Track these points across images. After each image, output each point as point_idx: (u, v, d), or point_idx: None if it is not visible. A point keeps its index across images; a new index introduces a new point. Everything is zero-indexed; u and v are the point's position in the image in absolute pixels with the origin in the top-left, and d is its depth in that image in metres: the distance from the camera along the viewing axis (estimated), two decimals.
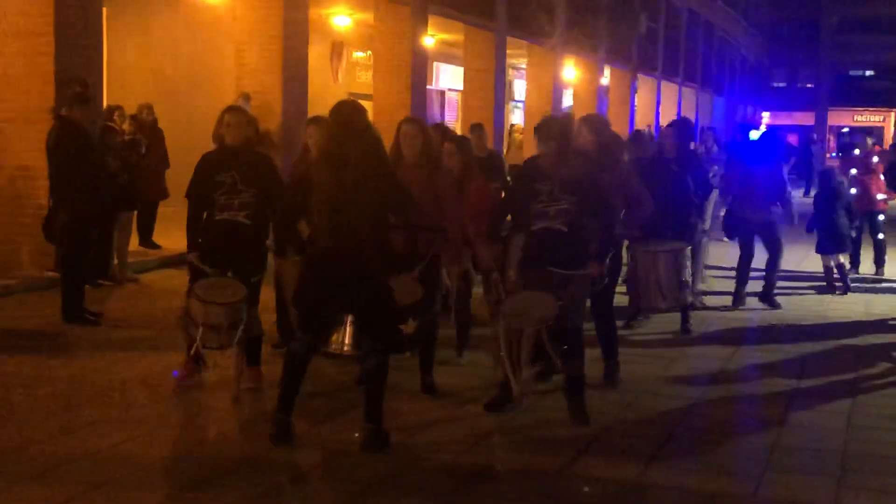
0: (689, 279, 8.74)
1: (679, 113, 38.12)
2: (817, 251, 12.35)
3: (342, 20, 20.67)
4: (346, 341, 6.09)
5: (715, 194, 17.29)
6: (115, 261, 11.28)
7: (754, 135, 26.75)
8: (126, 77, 16.28)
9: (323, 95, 20.90)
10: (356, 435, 5.83)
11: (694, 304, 10.40)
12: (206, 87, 17.27)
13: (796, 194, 19.80)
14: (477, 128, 11.24)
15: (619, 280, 7.81)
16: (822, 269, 12.46)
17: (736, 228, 11.20)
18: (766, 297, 10.96)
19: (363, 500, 5.14)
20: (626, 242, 8.21)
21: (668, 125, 9.85)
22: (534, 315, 6.09)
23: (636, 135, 10.45)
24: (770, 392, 7.49)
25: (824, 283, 12.31)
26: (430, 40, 20.51)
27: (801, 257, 14.21)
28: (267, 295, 7.42)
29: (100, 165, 9.70)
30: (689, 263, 8.56)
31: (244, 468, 5.49)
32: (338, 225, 5.66)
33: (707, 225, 17.46)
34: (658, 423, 6.55)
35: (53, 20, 10.95)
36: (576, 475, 5.55)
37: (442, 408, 6.70)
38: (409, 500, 5.17)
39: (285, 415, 5.83)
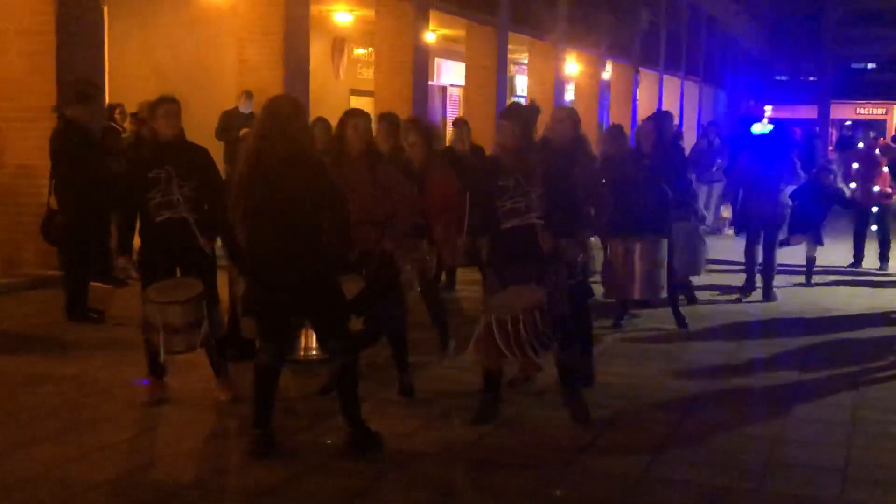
0: (665, 274, 8.51)
1: (682, 107, 38.10)
2: (788, 232, 12.24)
3: (344, 17, 20.64)
4: (312, 345, 5.91)
5: (718, 188, 17.40)
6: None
7: (758, 127, 26.82)
8: (127, 75, 16.25)
9: (325, 92, 20.92)
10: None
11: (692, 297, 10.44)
12: (207, 85, 17.25)
13: None
14: (459, 123, 11.26)
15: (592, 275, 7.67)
16: (825, 263, 12.48)
17: (746, 223, 11.22)
18: (767, 291, 11.00)
19: (364, 499, 5.14)
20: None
21: (646, 119, 9.67)
22: (520, 302, 5.93)
23: (613, 129, 10.37)
24: (773, 385, 7.48)
25: (836, 276, 12.38)
26: (431, 36, 20.46)
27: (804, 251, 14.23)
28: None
29: (101, 166, 9.68)
30: (665, 257, 8.39)
31: (247, 468, 5.50)
32: (267, 226, 5.50)
33: (710, 219, 17.58)
34: (662, 418, 6.55)
35: (55, 18, 10.99)
36: (580, 470, 5.55)
37: (441, 405, 6.70)
38: (411, 494, 5.17)
39: (263, 429, 5.64)
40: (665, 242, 8.39)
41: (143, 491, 5.17)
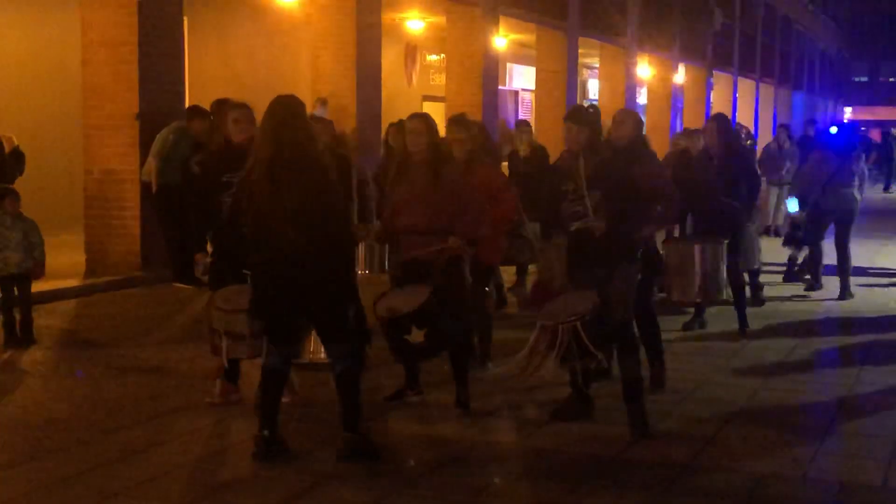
0: (724, 275, 8.36)
1: (756, 109, 37.86)
2: None
3: (416, 24, 21.03)
4: (320, 349, 5.75)
5: (785, 191, 17.37)
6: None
7: (834, 130, 26.58)
8: (206, 83, 16.81)
9: (397, 98, 21.32)
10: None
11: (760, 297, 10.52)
12: (283, 92, 17.71)
13: (875, 190, 19.66)
14: (521, 124, 11.59)
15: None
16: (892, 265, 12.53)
17: (815, 223, 11.29)
18: (844, 290, 11.10)
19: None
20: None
21: (710, 119, 9.61)
22: (565, 311, 5.88)
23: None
24: (831, 381, 7.64)
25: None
26: (502, 41, 20.73)
27: (874, 252, 14.27)
28: None
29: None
30: (724, 259, 8.26)
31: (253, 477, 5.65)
32: (269, 234, 5.45)
33: (780, 221, 17.56)
34: (716, 411, 6.73)
35: (137, 30, 11.47)
36: (630, 459, 5.78)
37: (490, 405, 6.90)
38: (468, 478, 5.45)
39: (271, 433, 5.62)
40: (724, 244, 8.29)
41: (220, 473, 5.56)
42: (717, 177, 8.82)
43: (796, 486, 5.42)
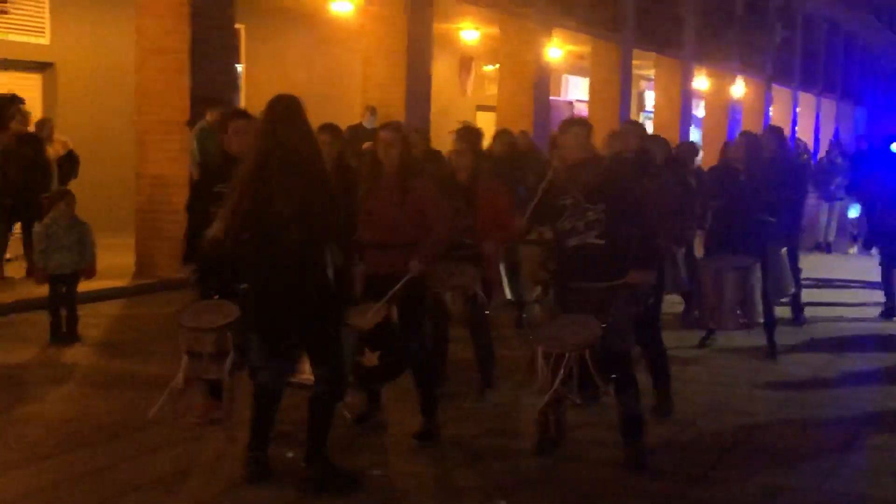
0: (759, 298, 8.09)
1: (817, 125, 37.45)
2: None
3: (470, 34, 21.13)
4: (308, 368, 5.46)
5: (839, 206, 17.27)
6: None
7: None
8: (262, 92, 17.07)
9: (451, 108, 21.46)
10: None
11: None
12: (336, 101, 17.94)
13: None
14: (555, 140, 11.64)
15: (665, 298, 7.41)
16: None
17: (876, 239, 11.20)
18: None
19: None
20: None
21: (740, 134, 9.46)
22: (572, 338, 5.55)
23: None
24: (861, 396, 7.65)
25: None
26: (558, 53, 20.76)
27: None
28: None
29: None
30: (758, 282, 8.00)
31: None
32: (265, 240, 5.19)
33: (831, 237, 17.44)
34: (738, 423, 6.76)
35: (189, 37, 11.72)
36: (646, 468, 5.80)
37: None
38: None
39: (261, 452, 5.41)
40: (758, 267, 8.02)
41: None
42: (744, 193, 8.53)
43: (812, 498, 5.45)
